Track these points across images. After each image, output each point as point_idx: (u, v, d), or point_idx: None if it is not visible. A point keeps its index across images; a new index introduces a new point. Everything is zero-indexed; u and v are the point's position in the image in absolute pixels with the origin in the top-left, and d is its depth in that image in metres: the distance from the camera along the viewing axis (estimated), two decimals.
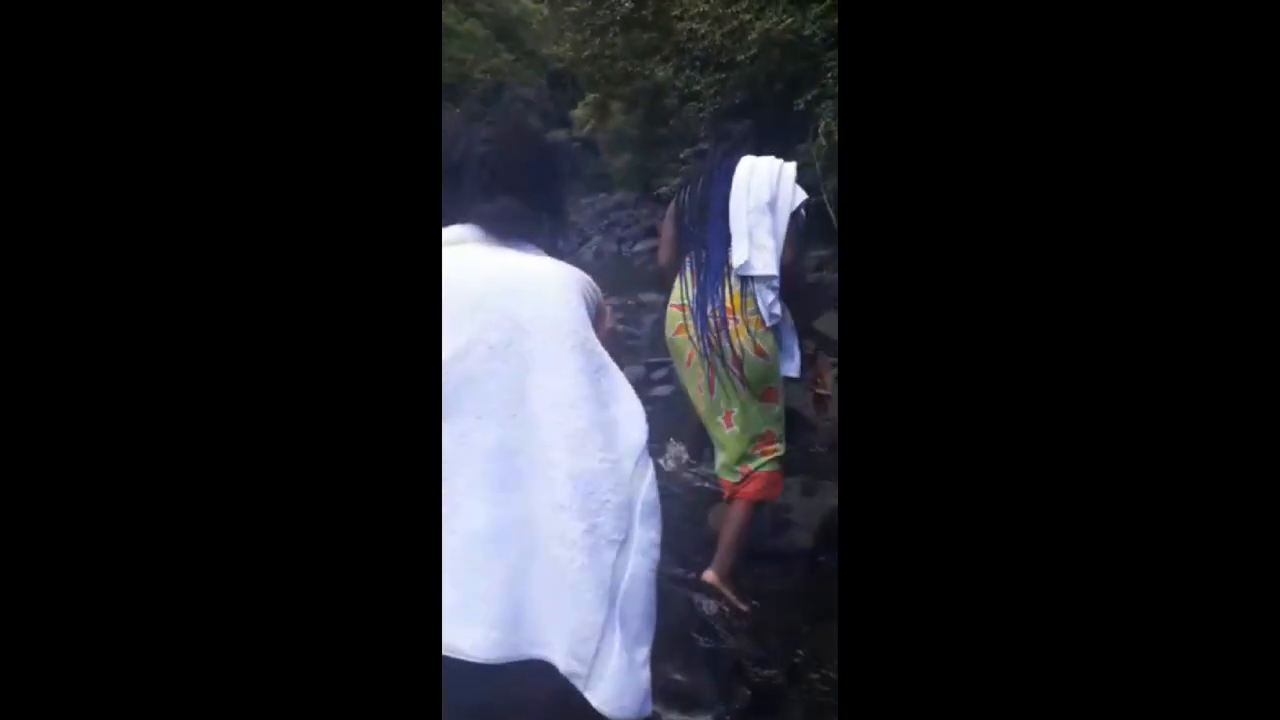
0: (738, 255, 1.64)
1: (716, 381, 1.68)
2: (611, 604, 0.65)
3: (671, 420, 2.38)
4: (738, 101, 5.89)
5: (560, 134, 17.00)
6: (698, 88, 6.19)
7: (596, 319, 0.76)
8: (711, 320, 1.65)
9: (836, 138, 4.25)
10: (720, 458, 1.73)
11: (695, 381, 1.73)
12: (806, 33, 4.65)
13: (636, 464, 0.70)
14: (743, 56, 5.29)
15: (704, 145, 6.18)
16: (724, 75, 5.84)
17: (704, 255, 1.70)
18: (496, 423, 0.66)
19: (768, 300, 1.68)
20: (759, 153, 1.80)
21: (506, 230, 0.78)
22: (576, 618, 0.63)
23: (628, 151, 10.70)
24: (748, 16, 4.94)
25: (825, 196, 4.40)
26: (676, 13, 6.41)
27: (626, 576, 0.66)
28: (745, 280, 1.65)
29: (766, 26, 4.59)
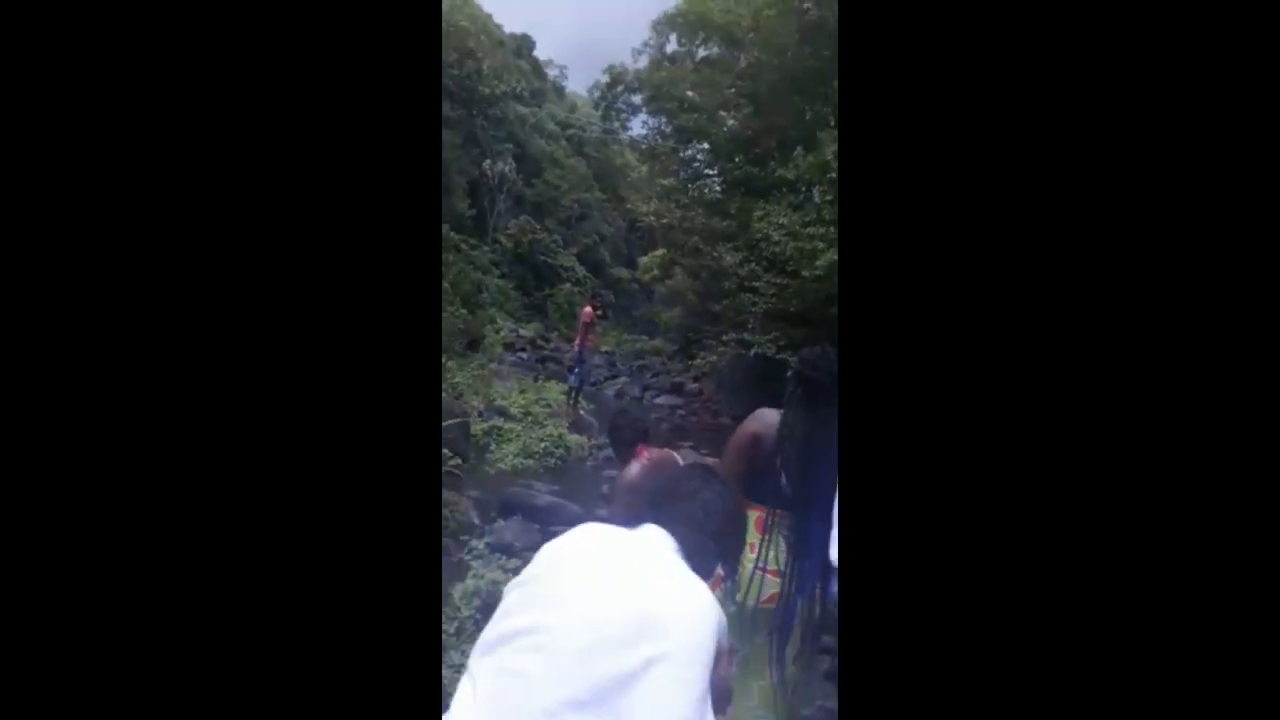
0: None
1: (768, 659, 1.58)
2: None
3: None
4: (793, 309, 6.17)
5: (624, 272, 18.15)
6: (758, 284, 6.52)
7: (717, 659, 0.84)
8: (818, 608, 1.55)
9: None
10: None
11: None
12: None
13: None
14: (807, 273, 5.60)
15: (749, 335, 6.39)
16: (785, 281, 6.17)
17: (802, 530, 1.56)
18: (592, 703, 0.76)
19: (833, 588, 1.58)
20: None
21: (696, 558, 0.95)
22: None
23: (679, 308, 11.18)
24: (822, 245, 5.28)
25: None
26: (759, 213, 6.94)
27: None
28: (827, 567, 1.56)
29: (836, 259, 4.90)
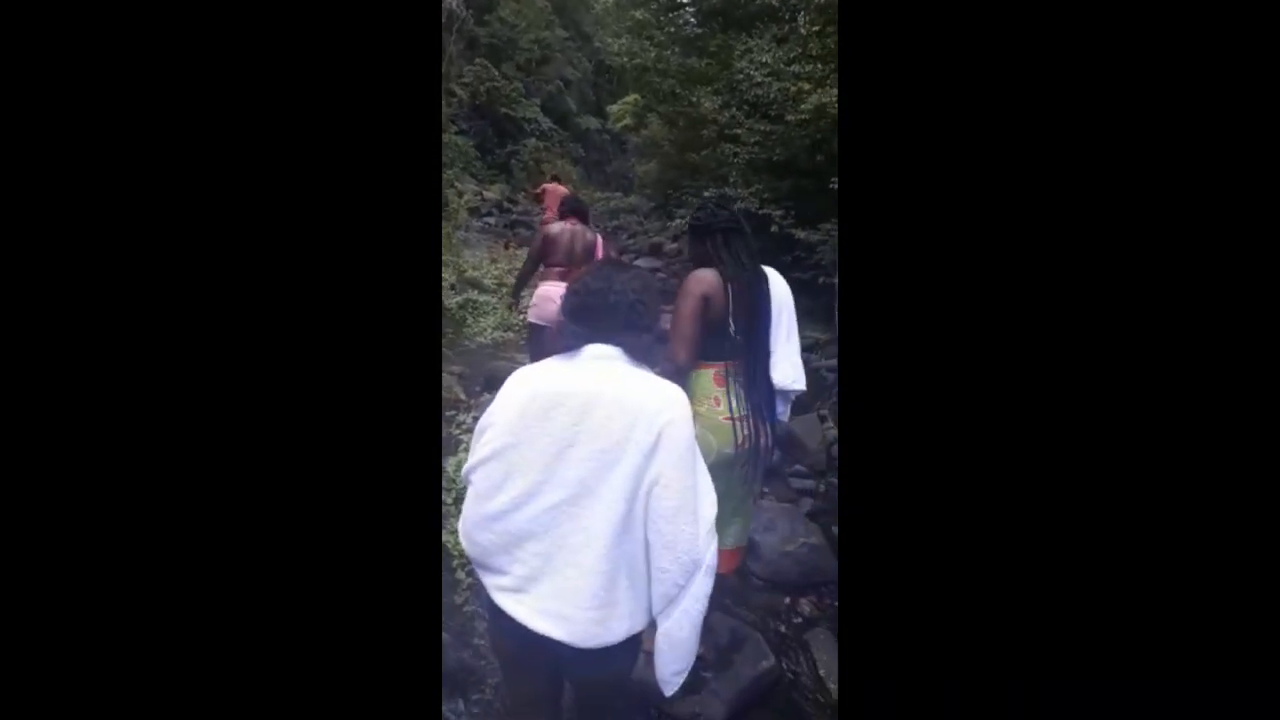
0: (788, 372, 1.72)
1: (741, 482, 1.73)
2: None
3: None
4: (774, 159, 5.79)
5: (593, 122, 16.81)
6: (739, 131, 6.06)
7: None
8: (765, 434, 1.68)
9: None
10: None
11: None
12: None
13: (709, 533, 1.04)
14: (792, 117, 5.19)
15: (730, 188, 6.07)
16: (769, 128, 5.73)
17: (752, 369, 1.69)
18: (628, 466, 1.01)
19: (781, 409, 1.76)
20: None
21: (640, 359, 1.12)
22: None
23: (656, 162, 10.54)
24: (807, 85, 4.82)
25: (836, 281, 4.32)
26: (740, 51, 6.28)
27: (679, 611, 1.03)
28: (773, 392, 1.72)
29: (824, 101, 4.48)
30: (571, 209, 3.21)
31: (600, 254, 3.04)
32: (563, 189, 6.66)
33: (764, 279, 1.73)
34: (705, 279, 1.65)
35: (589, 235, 3.10)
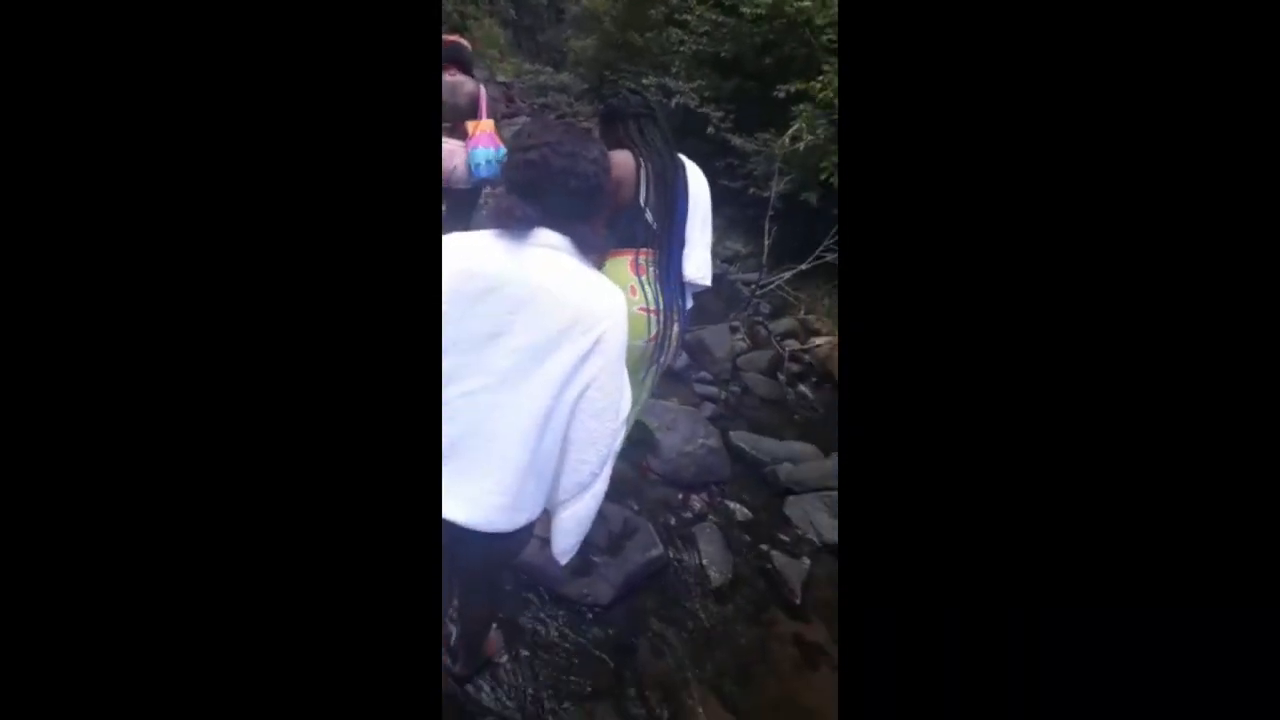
0: (699, 267, 1.66)
1: (646, 379, 1.71)
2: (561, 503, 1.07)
3: None
4: (722, 54, 5.45)
5: None
6: (689, 17, 5.62)
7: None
8: (676, 327, 1.64)
9: (802, 146, 4.08)
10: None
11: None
12: (819, 22, 4.34)
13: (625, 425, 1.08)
14: (747, 10, 4.86)
15: (672, 79, 5.71)
16: (721, 18, 5.35)
17: (665, 259, 1.63)
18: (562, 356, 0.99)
19: (689, 305, 1.73)
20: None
21: (585, 251, 1.05)
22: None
23: (594, 38, 9.67)
24: None
25: (771, 195, 4.24)
26: None
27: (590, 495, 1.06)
28: (683, 285, 1.67)
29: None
30: (450, 57, 2.78)
31: (484, 108, 2.72)
32: (450, 37, 5.92)
33: (681, 166, 1.67)
34: (617, 160, 1.57)
35: (470, 86, 2.74)
